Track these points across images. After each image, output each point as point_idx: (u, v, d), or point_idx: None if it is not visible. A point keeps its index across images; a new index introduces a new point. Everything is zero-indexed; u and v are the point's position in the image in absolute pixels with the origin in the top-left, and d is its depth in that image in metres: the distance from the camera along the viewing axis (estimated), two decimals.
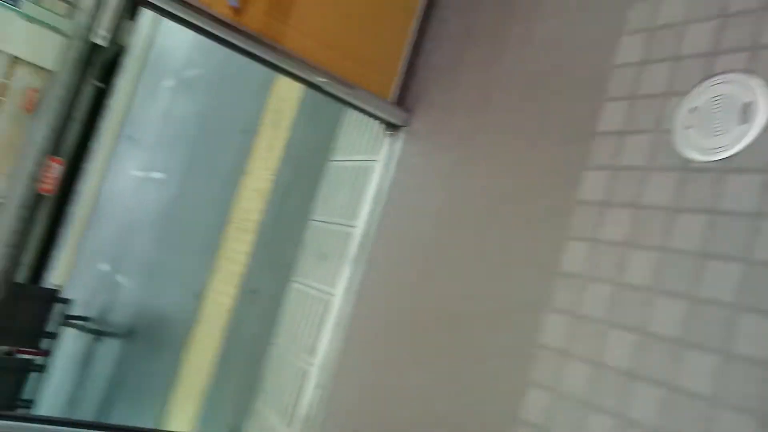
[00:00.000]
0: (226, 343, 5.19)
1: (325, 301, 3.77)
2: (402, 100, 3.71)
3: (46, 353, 9.23)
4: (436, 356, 2.80)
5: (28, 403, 9.16)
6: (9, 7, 16.61)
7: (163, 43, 12.99)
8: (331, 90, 3.47)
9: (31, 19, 17.19)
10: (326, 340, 3.64)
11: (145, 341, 7.31)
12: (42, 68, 17.93)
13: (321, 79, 3.45)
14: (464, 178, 3.05)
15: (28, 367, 8.51)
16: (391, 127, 3.75)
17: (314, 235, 4.25)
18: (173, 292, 6.88)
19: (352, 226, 3.79)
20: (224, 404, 4.86)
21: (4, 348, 8.69)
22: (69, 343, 10.17)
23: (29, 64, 18.05)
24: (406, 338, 3.05)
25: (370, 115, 3.76)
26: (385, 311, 3.29)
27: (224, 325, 5.30)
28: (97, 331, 9.27)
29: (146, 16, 15.63)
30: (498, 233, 2.71)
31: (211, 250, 6.00)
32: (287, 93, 5.55)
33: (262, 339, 4.49)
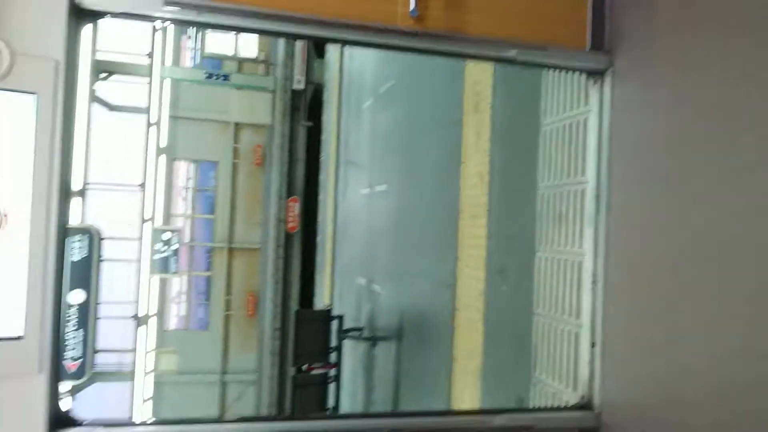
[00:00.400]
0: (489, 322, 5.44)
1: (576, 262, 3.79)
2: (599, 44, 3.59)
3: (335, 365, 10.47)
4: (710, 287, 2.67)
5: (334, 410, 10.46)
6: (223, 84, 19.21)
7: (352, 69, 13.92)
8: (525, 58, 3.50)
9: (240, 87, 19.68)
10: (588, 299, 3.65)
11: (414, 337, 7.92)
12: (259, 125, 20.39)
13: (512, 51, 3.49)
14: (692, 99, 2.87)
15: (326, 380, 9.76)
16: (595, 74, 3.64)
17: (546, 202, 4.28)
18: (426, 288, 7.37)
19: (582, 183, 3.76)
20: (504, 379, 5.09)
21: (302, 367, 10.07)
22: (350, 353, 11.39)
23: (249, 125, 20.64)
24: (671, 278, 2.95)
25: (570, 69, 3.71)
26: (642, 256, 3.21)
27: (481, 308, 5.56)
28: (371, 337, 10.26)
29: (332, 51, 16.87)
30: (754, 141, 2.50)
31: (450, 241, 6.33)
32: (479, 75, 5.67)
33: (522, 312, 4.64)
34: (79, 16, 2.88)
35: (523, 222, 4.69)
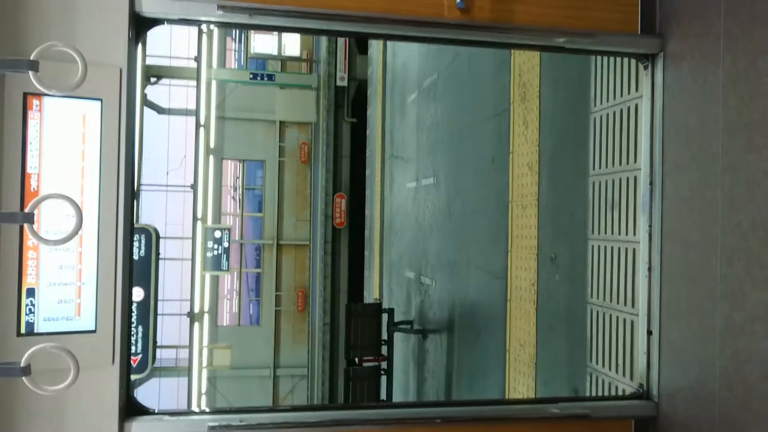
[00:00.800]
0: (542, 312, 5.41)
1: (629, 249, 3.75)
2: (649, 27, 3.53)
3: (386, 358, 10.57)
4: None
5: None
6: (268, 83, 19.52)
7: (395, 64, 13.96)
8: (573, 46, 3.47)
9: (284, 86, 19.96)
10: (643, 287, 3.60)
11: (465, 329, 7.93)
12: (304, 123, 20.65)
13: (560, 40, 3.46)
14: (750, 80, 2.80)
15: (378, 373, 9.87)
16: (646, 58, 3.59)
17: (597, 189, 4.24)
18: (476, 280, 7.37)
19: (635, 169, 3.72)
20: (559, 369, 5.07)
21: (354, 360, 10.21)
22: (401, 346, 11.46)
23: (293, 123, 20.93)
24: (731, 263, 2.90)
25: (620, 54, 3.66)
26: (700, 242, 3.16)
27: (534, 298, 5.54)
28: (421, 330, 10.31)
29: (375, 46, 16.90)
30: None
31: (500, 232, 6.32)
32: (526, 64, 5.63)
33: (575, 301, 4.61)
34: (139, 24, 3.01)
35: (574, 210, 4.65)
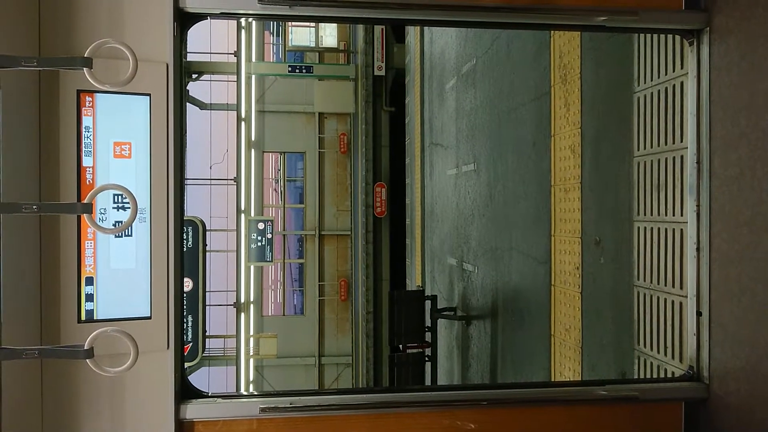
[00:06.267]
0: (587, 296, 5.36)
1: (677, 230, 3.68)
2: (694, 3, 3.44)
3: (430, 345, 10.61)
4: None
5: None
6: (306, 75, 19.65)
7: (433, 51, 13.88)
8: (615, 24, 3.40)
9: (322, 78, 20.07)
10: (692, 268, 3.54)
11: (509, 315, 7.90)
12: (343, 114, 20.74)
13: (601, 19, 3.40)
14: None
15: (422, 359, 9.92)
16: (691, 33, 3.50)
17: (642, 170, 4.17)
18: (519, 265, 7.33)
19: (681, 148, 3.64)
20: (605, 352, 5.02)
21: (398, 347, 10.28)
22: (445, 333, 11.48)
23: (332, 114, 21.04)
24: None
25: (663, 31, 3.57)
26: (751, 222, 3.08)
27: (578, 282, 5.48)
28: (464, 316, 10.31)
29: (412, 34, 16.80)
30: None
31: (543, 217, 6.27)
32: (566, 46, 5.54)
33: (621, 284, 4.55)
34: (183, 19, 3.09)
35: (618, 192, 4.58)
